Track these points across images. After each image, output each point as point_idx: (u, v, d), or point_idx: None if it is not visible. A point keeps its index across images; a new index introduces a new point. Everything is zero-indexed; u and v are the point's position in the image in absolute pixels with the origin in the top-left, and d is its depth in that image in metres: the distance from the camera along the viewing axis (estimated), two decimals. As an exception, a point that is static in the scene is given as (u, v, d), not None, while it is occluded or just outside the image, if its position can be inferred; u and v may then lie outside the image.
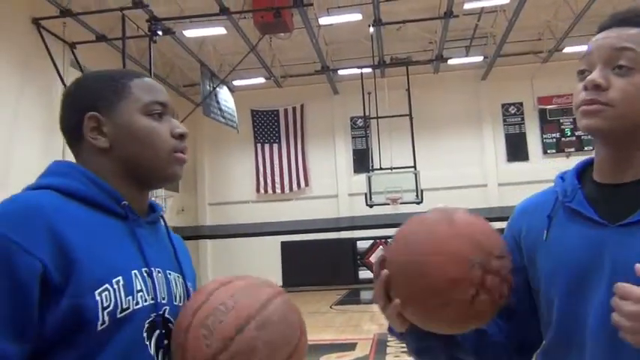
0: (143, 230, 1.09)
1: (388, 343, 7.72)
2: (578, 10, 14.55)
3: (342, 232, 19.86)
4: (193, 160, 21.13)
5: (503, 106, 19.52)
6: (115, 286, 0.96)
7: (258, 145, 20.70)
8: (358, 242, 19.71)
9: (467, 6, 14.10)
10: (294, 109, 20.58)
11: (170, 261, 1.13)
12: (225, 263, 20.33)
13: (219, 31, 14.67)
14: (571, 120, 19.33)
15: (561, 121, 19.41)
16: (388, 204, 15.92)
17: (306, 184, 20.35)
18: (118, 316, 0.95)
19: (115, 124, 1.09)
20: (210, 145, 20.94)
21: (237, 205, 20.64)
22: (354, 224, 19.68)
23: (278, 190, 20.37)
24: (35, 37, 12.04)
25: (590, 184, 1.10)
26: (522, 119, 19.69)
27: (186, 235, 20.32)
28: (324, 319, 11.39)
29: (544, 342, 1.14)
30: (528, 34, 17.25)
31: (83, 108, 1.10)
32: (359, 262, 19.69)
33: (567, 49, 17.41)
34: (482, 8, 14.94)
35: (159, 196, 13.30)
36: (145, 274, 1.02)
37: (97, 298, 0.94)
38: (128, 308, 0.97)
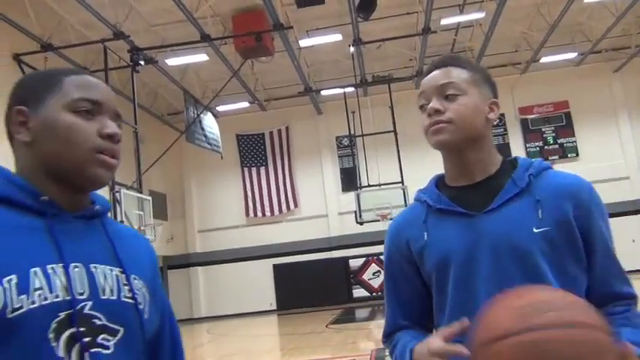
0: (69, 225, 1.06)
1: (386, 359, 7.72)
2: (552, 21, 14.86)
3: (334, 252, 19.81)
4: (181, 187, 21.06)
5: (485, 117, 19.71)
6: (6, 285, 0.93)
7: (245, 169, 20.70)
8: (350, 260, 19.66)
9: (444, 22, 14.34)
10: (279, 131, 20.65)
11: (103, 255, 1.08)
12: (218, 290, 20.16)
13: (201, 57, 14.76)
14: (553, 128, 19.62)
15: (543, 129, 19.68)
16: (378, 220, 15.93)
17: (295, 205, 20.33)
18: (9, 316, 0.92)
19: (39, 119, 1.07)
20: (197, 172, 20.90)
21: (227, 230, 20.54)
22: (345, 243, 19.64)
23: (267, 213, 20.33)
24: (17, 73, 12.00)
25: (448, 190, 1.37)
26: (505, 130, 19.92)
27: (176, 263, 20.16)
28: (320, 339, 11.31)
29: (438, 323, 1.34)
30: (505, 47, 17.56)
31: (14, 103, 1.10)
32: (352, 280, 19.63)
33: (544, 59, 17.75)
34: (459, 23, 15.20)
35: (148, 224, 13.12)
36: (55, 270, 0.98)
37: None
38: (21, 307, 0.93)
